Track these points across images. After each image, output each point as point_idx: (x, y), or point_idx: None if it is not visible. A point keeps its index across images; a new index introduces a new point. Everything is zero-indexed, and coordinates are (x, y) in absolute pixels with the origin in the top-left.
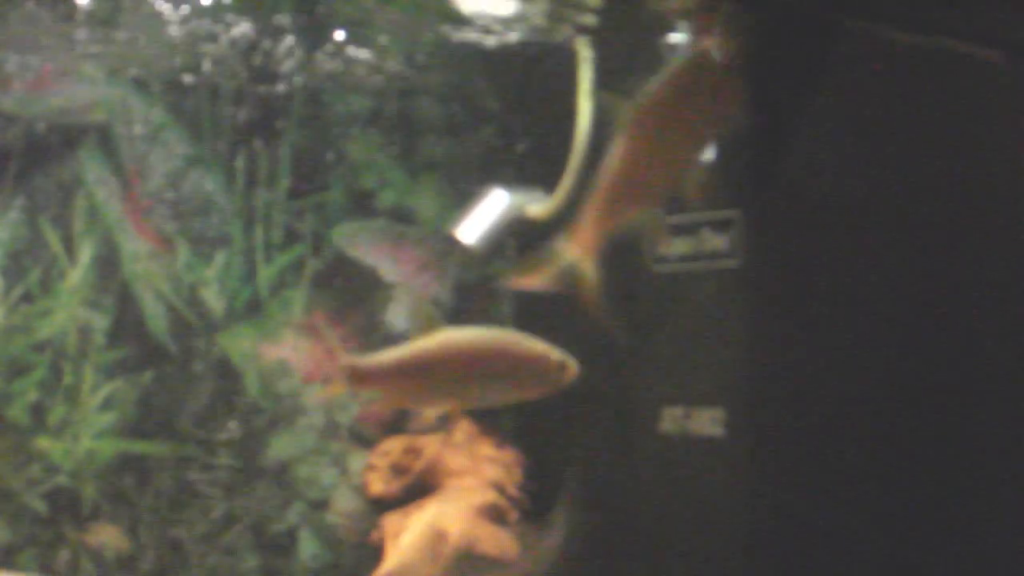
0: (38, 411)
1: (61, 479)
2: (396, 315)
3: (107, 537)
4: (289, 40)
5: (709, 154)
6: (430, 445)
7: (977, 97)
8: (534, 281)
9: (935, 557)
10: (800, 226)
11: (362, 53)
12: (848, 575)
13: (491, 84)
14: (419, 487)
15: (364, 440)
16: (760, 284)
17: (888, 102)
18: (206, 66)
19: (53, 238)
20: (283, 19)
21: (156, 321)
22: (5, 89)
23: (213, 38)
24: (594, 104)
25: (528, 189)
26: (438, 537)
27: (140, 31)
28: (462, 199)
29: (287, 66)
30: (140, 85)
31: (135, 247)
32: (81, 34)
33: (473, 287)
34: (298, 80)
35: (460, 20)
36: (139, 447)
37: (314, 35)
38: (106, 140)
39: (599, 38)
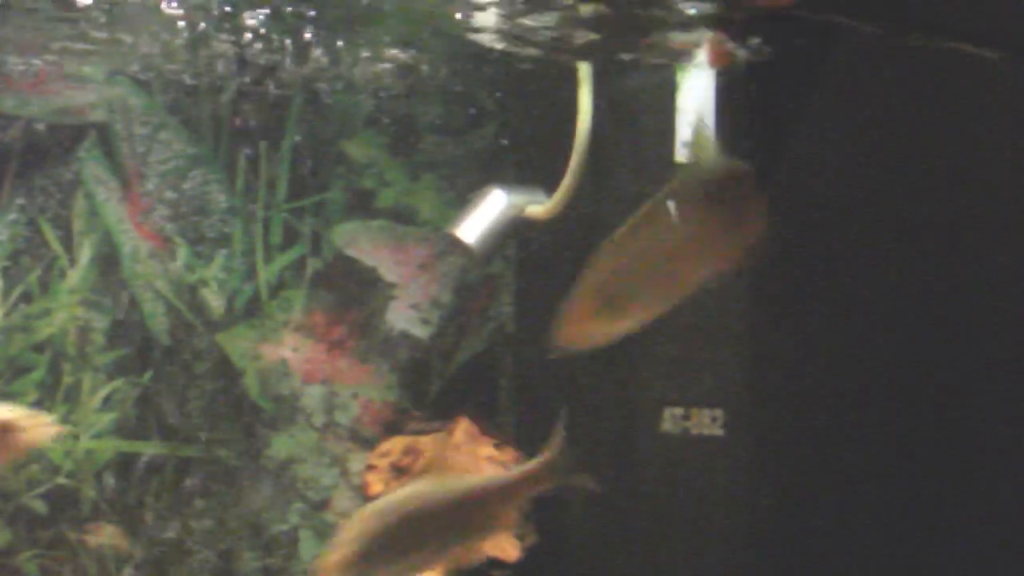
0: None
1: (61, 479)
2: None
3: (107, 537)
4: (289, 40)
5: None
6: (430, 445)
7: (977, 97)
8: None
9: (935, 556)
10: (800, 226)
11: (362, 53)
12: (848, 574)
13: (492, 84)
14: None
15: (364, 440)
16: (760, 284)
17: (888, 102)
18: (206, 66)
19: (53, 238)
20: (283, 19)
21: (156, 321)
22: (5, 89)
23: (213, 38)
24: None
25: (528, 189)
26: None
27: (141, 30)
28: (462, 199)
29: (287, 66)
30: (140, 85)
31: (135, 247)
32: (81, 34)
33: (473, 287)
34: (298, 80)
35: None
36: (139, 447)
37: (314, 35)
38: (106, 140)
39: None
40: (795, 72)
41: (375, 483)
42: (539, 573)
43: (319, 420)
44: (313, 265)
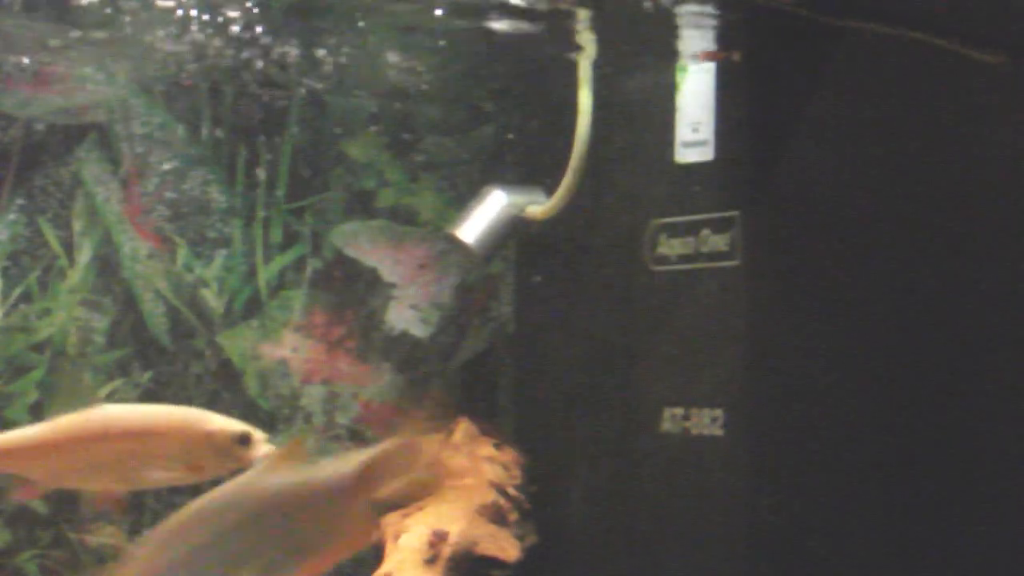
0: (38, 411)
1: None
2: None
3: (107, 537)
4: (289, 39)
5: None
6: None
7: (977, 97)
8: None
9: (935, 556)
10: (800, 226)
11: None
12: (848, 574)
13: (491, 84)
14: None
15: (364, 440)
16: (760, 284)
17: (888, 102)
18: (207, 66)
19: (53, 238)
20: (283, 18)
21: (156, 321)
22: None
23: (213, 37)
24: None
25: (528, 189)
26: (438, 538)
27: (141, 31)
28: (462, 199)
29: (288, 66)
30: (140, 85)
31: (135, 247)
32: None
33: (473, 287)
34: (298, 80)
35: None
36: None
37: (314, 34)
38: (106, 140)
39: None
40: (795, 72)
41: None
42: (539, 573)
43: (319, 420)
44: (313, 265)
